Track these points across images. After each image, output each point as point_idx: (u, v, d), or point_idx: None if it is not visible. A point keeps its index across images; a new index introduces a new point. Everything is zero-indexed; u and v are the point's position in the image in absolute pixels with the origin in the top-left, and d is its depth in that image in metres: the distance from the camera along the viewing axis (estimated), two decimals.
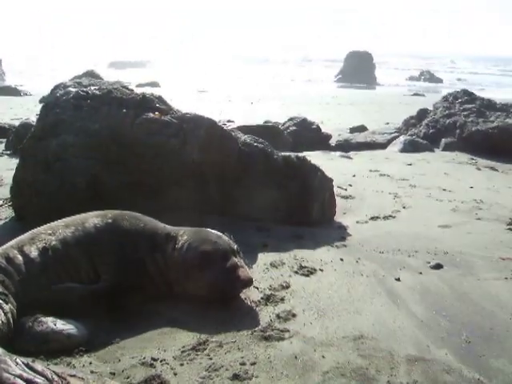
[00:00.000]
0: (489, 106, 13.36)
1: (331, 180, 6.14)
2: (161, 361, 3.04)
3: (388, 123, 16.95)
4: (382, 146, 12.46)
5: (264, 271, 4.38)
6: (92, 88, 5.73)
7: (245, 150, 5.70)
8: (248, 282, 3.74)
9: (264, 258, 4.67)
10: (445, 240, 5.46)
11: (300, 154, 7.29)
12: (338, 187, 7.40)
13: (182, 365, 3.00)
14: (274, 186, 5.68)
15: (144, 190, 5.10)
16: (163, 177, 5.17)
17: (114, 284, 3.63)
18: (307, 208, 5.80)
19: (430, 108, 14.11)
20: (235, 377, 2.88)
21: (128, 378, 2.88)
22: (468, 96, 13.91)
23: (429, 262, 4.77)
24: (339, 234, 5.55)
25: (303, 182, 5.80)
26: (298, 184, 5.77)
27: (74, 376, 2.71)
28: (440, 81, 51.48)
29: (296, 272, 4.39)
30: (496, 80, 59.25)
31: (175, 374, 2.91)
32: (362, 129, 14.86)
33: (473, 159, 10.80)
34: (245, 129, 10.67)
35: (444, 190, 7.84)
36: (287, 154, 6.25)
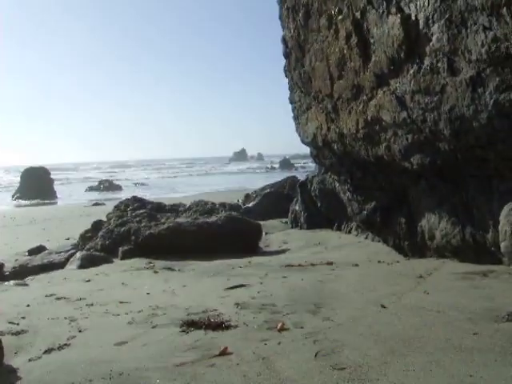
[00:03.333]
0: (159, 208, 14.01)
1: None
2: None
3: (68, 238, 16.62)
4: (61, 265, 12.08)
5: None
6: None
7: None
8: None
9: None
10: (121, 359, 5.29)
11: None
12: (9, 322, 6.83)
13: None
14: None
15: None
16: None
17: None
18: None
19: (105, 219, 14.20)
20: None
21: None
22: (139, 202, 14.43)
23: None
24: (7, 381, 5.01)
25: None
26: None
27: None
28: (119, 188, 52.94)
29: None
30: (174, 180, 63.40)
31: None
32: (40, 249, 14.29)
33: (151, 263, 11.01)
34: None
35: (121, 302, 7.74)
36: None
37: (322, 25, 9.75)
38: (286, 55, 11.90)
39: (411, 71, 7.44)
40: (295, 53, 11.26)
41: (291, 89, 12.42)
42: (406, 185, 9.52)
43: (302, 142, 12.29)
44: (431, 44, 6.89)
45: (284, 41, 11.83)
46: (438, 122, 7.31)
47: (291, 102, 12.56)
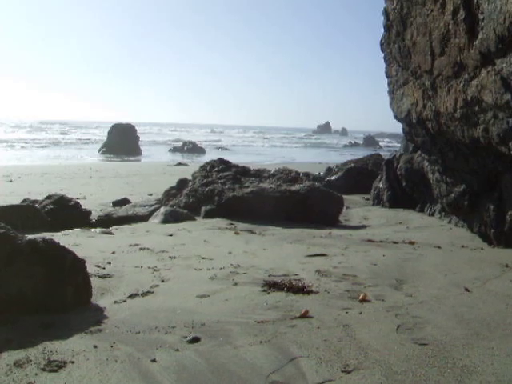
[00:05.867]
0: (244, 172, 14.10)
1: (84, 261, 5.84)
2: None
3: (151, 194, 17.08)
4: (144, 218, 12.42)
5: (6, 373, 3.92)
6: None
7: None
8: None
9: (7, 357, 4.20)
10: (202, 310, 5.43)
11: (57, 234, 6.93)
12: (96, 266, 7.13)
13: None
14: (19, 274, 5.24)
15: None
16: None
17: None
18: (59, 294, 5.42)
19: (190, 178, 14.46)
20: None
21: None
22: (224, 164, 14.57)
23: (186, 337, 4.68)
24: (95, 318, 5.24)
25: (52, 267, 5.42)
26: (46, 269, 5.39)
27: None
28: (202, 151, 53.69)
29: (43, 369, 3.98)
30: (256, 148, 63.72)
31: None
32: (124, 202, 14.73)
33: (232, 224, 11.16)
34: None
35: (203, 258, 7.92)
36: (33, 237, 5.85)
37: None
38: (387, 28, 11.61)
39: None
40: (396, 26, 10.97)
41: (388, 62, 12.14)
42: (499, 170, 9.18)
43: (395, 117, 12.04)
44: None
45: (385, 13, 11.54)
46: None
47: (387, 76, 12.29)
